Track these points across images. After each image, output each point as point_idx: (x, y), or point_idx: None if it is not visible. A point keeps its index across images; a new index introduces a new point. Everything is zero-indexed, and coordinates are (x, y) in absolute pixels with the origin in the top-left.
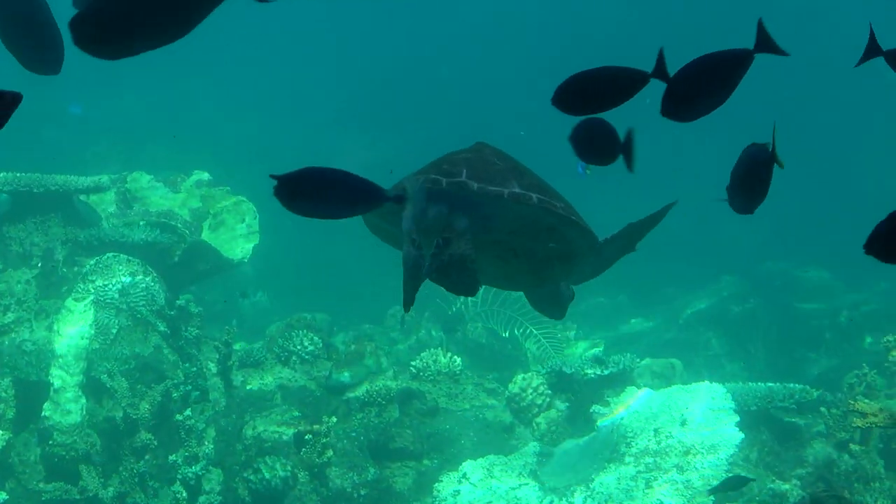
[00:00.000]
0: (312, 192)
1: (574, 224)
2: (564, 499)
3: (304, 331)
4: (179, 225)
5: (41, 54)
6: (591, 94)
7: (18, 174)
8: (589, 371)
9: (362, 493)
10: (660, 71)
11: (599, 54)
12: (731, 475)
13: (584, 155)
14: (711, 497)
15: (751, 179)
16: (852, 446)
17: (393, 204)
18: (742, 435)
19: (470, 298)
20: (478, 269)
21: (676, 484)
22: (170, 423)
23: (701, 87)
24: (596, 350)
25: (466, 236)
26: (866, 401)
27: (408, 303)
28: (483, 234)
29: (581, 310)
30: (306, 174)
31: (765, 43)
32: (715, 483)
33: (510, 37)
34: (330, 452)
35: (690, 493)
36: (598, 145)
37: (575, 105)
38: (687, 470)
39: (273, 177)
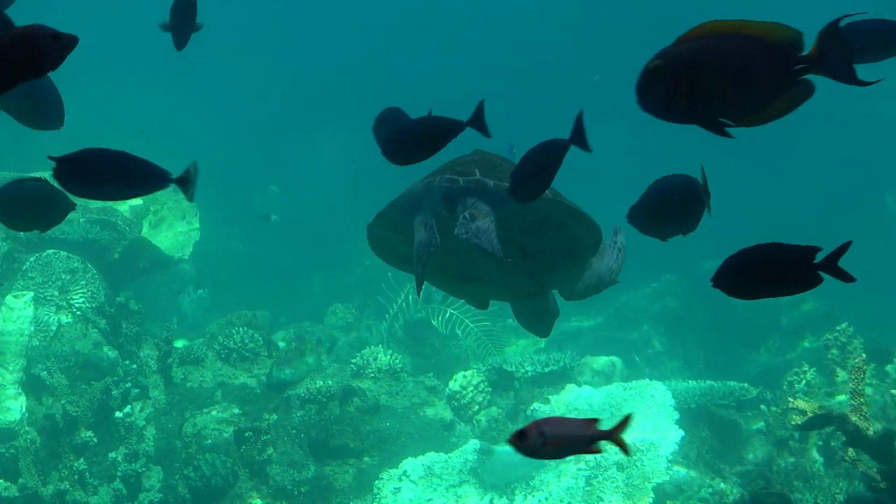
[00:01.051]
0: (92, 174)
1: (584, 219)
2: (505, 497)
3: (245, 328)
4: (119, 222)
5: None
6: (413, 143)
7: None
8: (529, 369)
9: (303, 490)
10: (476, 120)
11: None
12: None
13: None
14: (653, 494)
15: (673, 211)
16: (792, 444)
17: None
18: (682, 433)
19: (412, 296)
20: (481, 275)
21: (617, 482)
22: (110, 420)
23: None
24: (537, 347)
25: (489, 216)
26: (806, 399)
27: (420, 284)
28: (498, 231)
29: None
30: (86, 155)
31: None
32: (651, 480)
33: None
34: (270, 450)
35: (631, 490)
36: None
37: (401, 157)
38: (627, 468)
39: (51, 158)
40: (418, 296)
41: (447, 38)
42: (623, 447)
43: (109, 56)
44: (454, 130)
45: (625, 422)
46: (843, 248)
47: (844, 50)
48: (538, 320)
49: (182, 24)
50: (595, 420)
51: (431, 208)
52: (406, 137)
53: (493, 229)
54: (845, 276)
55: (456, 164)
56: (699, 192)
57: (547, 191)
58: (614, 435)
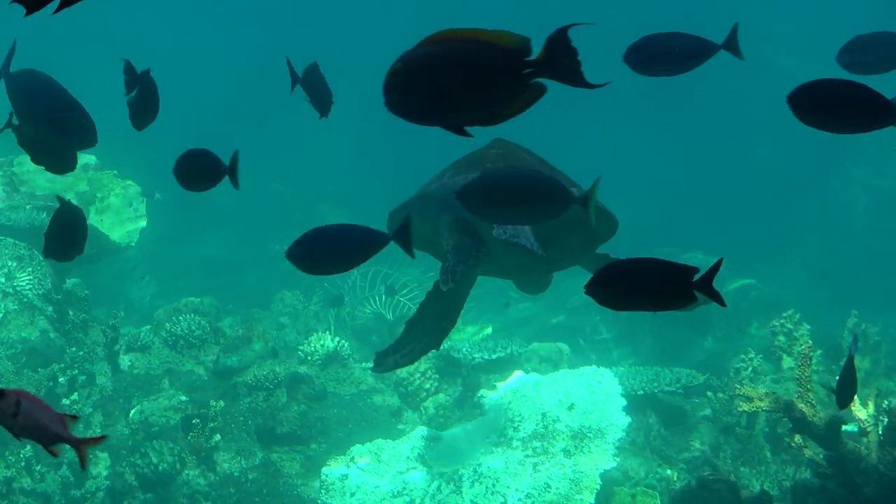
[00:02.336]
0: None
1: (607, 215)
2: (452, 483)
3: (192, 315)
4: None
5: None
6: (326, 256)
7: None
8: (477, 355)
9: (250, 477)
10: (402, 234)
11: None
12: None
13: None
14: (600, 480)
15: None
16: (738, 431)
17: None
18: (629, 419)
19: (358, 282)
20: (500, 262)
21: (564, 468)
22: (57, 407)
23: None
24: (484, 334)
25: (526, 242)
26: (752, 385)
27: (453, 280)
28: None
29: (471, 294)
30: (312, 237)
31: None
32: (598, 466)
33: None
34: (218, 436)
35: (578, 476)
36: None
37: (311, 268)
38: (574, 454)
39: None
40: (443, 288)
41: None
42: None
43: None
44: (375, 245)
45: None
46: (715, 268)
47: (571, 55)
48: (537, 285)
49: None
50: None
51: (447, 216)
52: (318, 248)
53: (529, 228)
54: (718, 298)
55: (483, 159)
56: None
57: (573, 188)
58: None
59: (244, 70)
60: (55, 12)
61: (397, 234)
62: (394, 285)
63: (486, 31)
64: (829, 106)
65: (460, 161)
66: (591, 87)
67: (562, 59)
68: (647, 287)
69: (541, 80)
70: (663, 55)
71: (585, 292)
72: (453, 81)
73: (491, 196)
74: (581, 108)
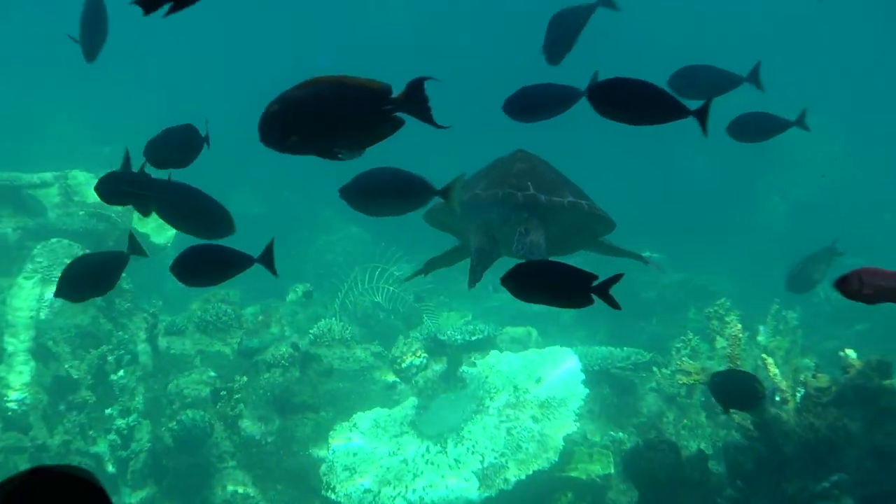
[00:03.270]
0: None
1: (606, 220)
2: (439, 444)
3: (220, 304)
4: (113, 215)
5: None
6: (202, 270)
7: None
8: (459, 337)
9: (269, 440)
10: (265, 257)
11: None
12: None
13: None
14: (563, 442)
15: None
16: (679, 400)
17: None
18: (587, 390)
19: (359, 278)
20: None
21: (532, 432)
22: (105, 382)
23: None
24: (465, 320)
25: (540, 229)
26: (690, 362)
27: (475, 280)
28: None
29: (453, 289)
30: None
31: None
32: (561, 431)
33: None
34: (241, 406)
35: (544, 439)
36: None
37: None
38: (541, 420)
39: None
40: (470, 287)
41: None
42: None
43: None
44: (242, 265)
45: None
46: (615, 278)
47: (423, 98)
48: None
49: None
50: None
51: (489, 215)
52: (195, 263)
53: (544, 243)
54: (613, 304)
55: (510, 174)
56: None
57: (584, 203)
58: None
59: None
60: (167, 14)
61: (261, 258)
62: (421, 293)
63: (352, 77)
64: (623, 100)
65: (490, 173)
66: (437, 126)
67: (416, 100)
68: (550, 286)
69: (399, 114)
70: (537, 105)
71: (500, 283)
72: (326, 117)
73: (367, 194)
74: (567, 129)
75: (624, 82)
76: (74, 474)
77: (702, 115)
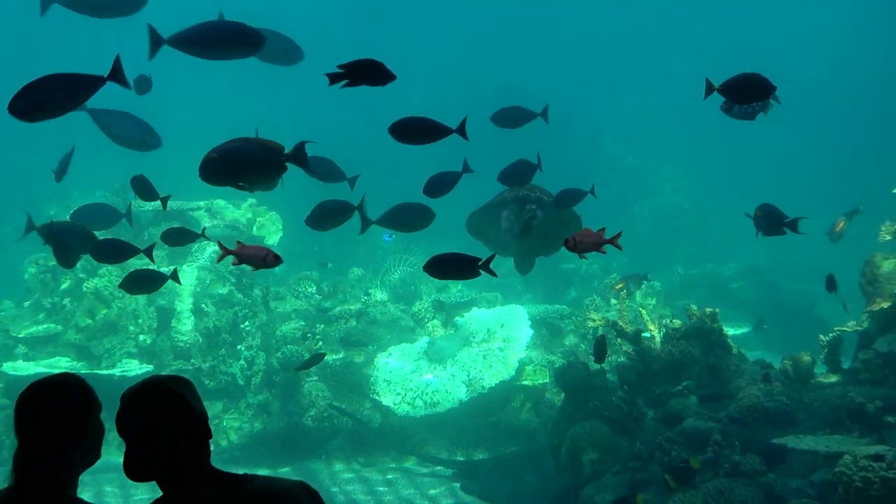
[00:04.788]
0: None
1: (577, 218)
2: (441, 365)
3: (306, 280)
4: (241, 227)
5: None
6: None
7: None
8: (453, 299)
9: (337, 364)
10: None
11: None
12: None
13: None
14: (517, 363)
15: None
16: (588, 338)
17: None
18: (532, 332)
19: (392, 264)
20: (526, 243)
21: (498, 357)
22: (237, 329)
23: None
24: (457, 289)
25: (539, 211)
26: (595, 313)
27: (524, 267)
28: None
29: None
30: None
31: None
32: (517, 356)
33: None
34: (320, 343)
35: (505, 358)
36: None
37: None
38: (504, 350)
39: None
40: (523, 266)
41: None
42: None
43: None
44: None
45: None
46: (490, 258)
47: (304, 155)
48: (527, 266)
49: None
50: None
51: (513, 206)
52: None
53: (542, 216)
54: (492, 273)
55: (525, 188)
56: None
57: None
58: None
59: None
60: (342, 87)
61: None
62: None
63: (260, 138)
64: (412, 132)
65: (508, 191)
66: (312, 173)
67: (299, 156)
68: (452, 267)
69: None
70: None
71: (423, 269)
72: (247, 163)
73: (319, 218)
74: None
75: (411, 119)
76: (170, 386)
77: (461, 131)
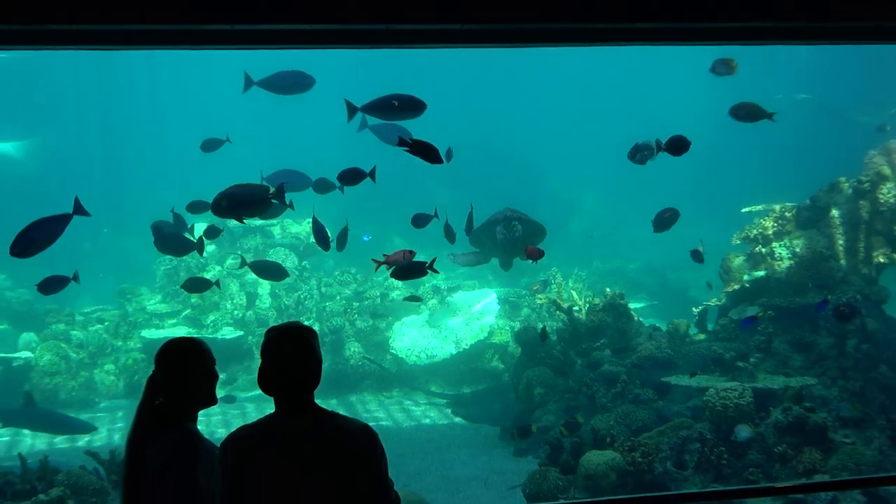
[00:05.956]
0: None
1: (544, 230)
2: (438, 330)
3: (347, 273)
4: (301, 237)
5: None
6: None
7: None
8: (445, 285)
9: (367, 330)
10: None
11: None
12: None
13: None
14: (489, 328)
15: None
16: (537, 311)
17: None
18: (499, 306)
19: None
20: (502, 250)
21: (476, 322)
22: (301, 306)
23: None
24: (447, 278)
25: (520, 227)
26: (541, 294)
27: (507, 265)
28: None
29: (446, 265)
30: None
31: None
32: (488, 323)
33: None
34: (356, 315)
35: (481, 325)
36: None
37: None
38: (480, 319)
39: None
40: (506, 264)
41: None
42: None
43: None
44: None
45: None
46: (433, 261)
47: (283, 194)
48: (508, 264)
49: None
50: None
51: (501, 224)
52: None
53: (521, 232)
54: (435, 271)
55: (507, 210)
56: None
57: (537, 221)
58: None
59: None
60: (406, 151)
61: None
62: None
63: (254, 183)
64: (239, 204)
65: (499, 213)
66: (289, 207)
67: (280, 194)
68: (409, 271)
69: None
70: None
71: (391, 275)
72: (243, 201)
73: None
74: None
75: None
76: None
77: (372, 174)
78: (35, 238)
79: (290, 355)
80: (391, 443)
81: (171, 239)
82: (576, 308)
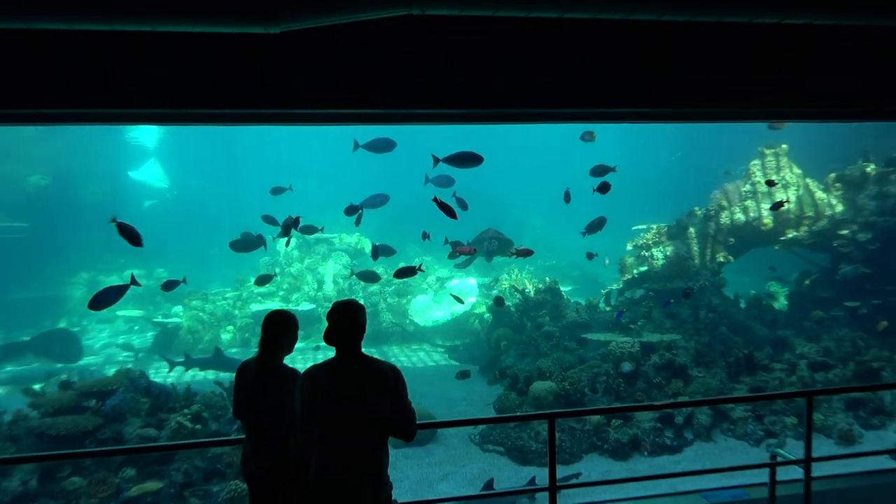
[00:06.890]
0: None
1: (508, 241)
2: (440, 304)
3: (381, 268)
4: (352, 245)
5: None
6: None
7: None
8: (445, 276)
9: (395, 304)
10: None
11: None
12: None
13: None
14: (472, 303)
15: None
16: (502, 291)
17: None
18: (479, 290)
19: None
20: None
21: (464, 305)
22: (352, 288)
23: None
24: (446, 271)
25: (496, 241)
26: (506, 278)
27: (489, 262)
28: (501, 245)
29: (444, 261)
30: None
31: None
32: (471, 299)
33: None
34: (387, 293)
35: (468, 307)
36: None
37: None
38: (466, 297)
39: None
40: (488, 261)
41: None
42: None
43: None
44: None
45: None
46: (421, 265)
47: (289, 229)
48: (489, 262)
49: None
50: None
51: (489, 239)
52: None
53: (497, 245)
54: (423, 271)
55: (491, 231)
56: None
57: (507, 238)
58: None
59: None
60: (446, 214)
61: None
62: (430, 263)
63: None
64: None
65: (486, 231)
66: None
67: (286, 229)
68: (404, 272)
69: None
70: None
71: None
72: (255, 241)
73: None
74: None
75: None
76: (359, 305)
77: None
78: (103, 299)
79: (344, 319)
80: (408, 376)
81: (237, 244)
82: (527, 290)
